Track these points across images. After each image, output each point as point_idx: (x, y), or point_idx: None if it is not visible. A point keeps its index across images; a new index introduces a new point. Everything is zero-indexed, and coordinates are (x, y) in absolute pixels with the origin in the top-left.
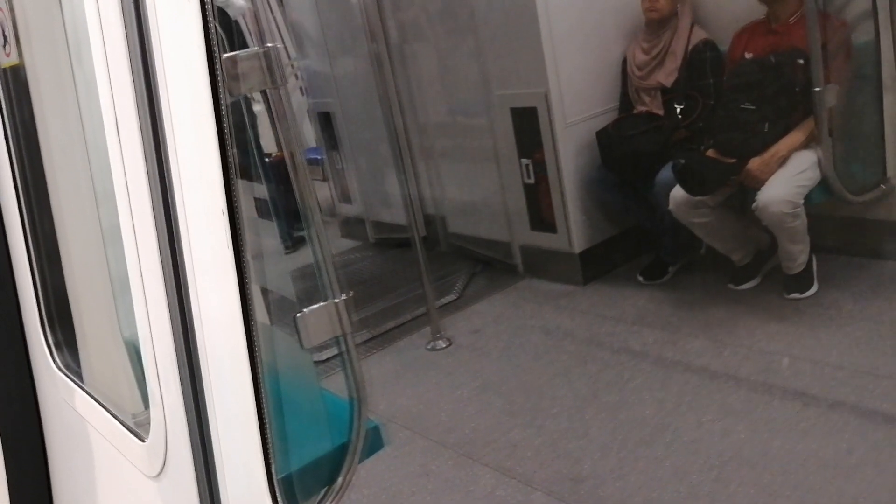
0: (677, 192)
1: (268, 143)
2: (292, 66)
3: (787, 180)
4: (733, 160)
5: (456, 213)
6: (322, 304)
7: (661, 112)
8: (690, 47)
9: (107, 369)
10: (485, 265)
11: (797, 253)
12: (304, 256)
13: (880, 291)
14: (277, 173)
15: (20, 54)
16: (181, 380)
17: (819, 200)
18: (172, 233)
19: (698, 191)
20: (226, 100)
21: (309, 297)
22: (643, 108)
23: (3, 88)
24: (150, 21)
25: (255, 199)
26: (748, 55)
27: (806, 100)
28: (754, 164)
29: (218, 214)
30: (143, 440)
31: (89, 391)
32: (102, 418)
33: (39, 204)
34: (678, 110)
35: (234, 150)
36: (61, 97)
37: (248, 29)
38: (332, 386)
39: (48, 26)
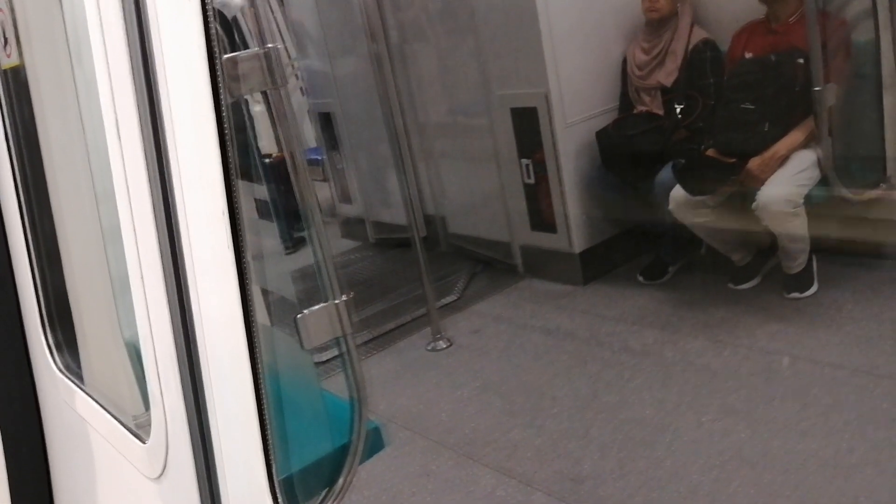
0: (677, 192)
1: (268, 144)
2: (292, 66)
3: (787, 180)
4: (733, 160)
5: (456, 214)
6: (322, 304)
7: (661, 112)
8: (690, 47)
9: (107, 370)
10: (485, 265)
11: (797, 252)
12: (305, 257)
13: (880, 291)
14: (278, 173)
15: (21, 55)
16: (182, 381)
17: (819, 200)
18: (172, 233)
19: (698, 190)
20: (226, 100)
21: (309, 297)
22: (643, 108)
23: (3, 89)
24: (151, 21)
25: (256, 200)
26: (748, 55)
27: (806, 99)
28: (754, 163)
29: (218, 215)
30: (143, 441)
31: (90, 392)
32: (103, 419)
33: (40, 204)
34: (678, 110)
35: (235, 151)
36: (62, 98)
37: (248, 28)
38: (333, 387)
39: (48, 27)
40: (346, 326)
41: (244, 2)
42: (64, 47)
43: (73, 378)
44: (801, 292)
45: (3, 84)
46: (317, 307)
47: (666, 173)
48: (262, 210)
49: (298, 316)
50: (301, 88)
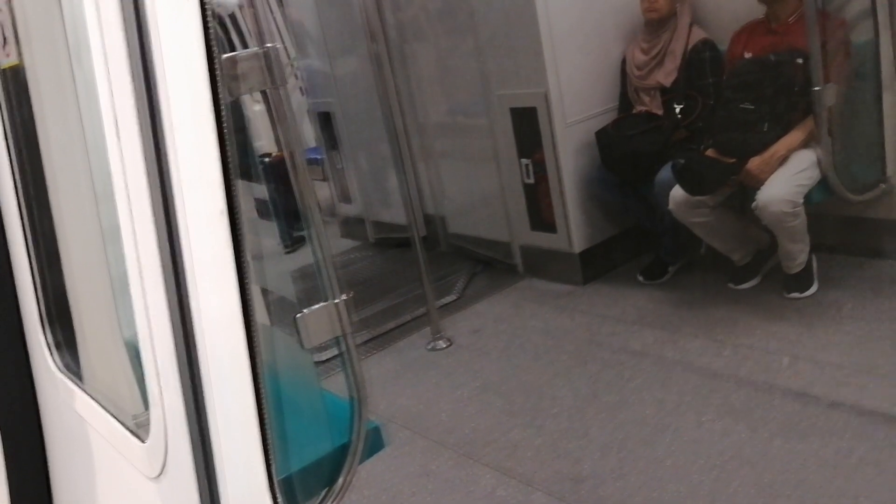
0: (677, 192)
1: (268, 144)
2: (292, 65)
3: (787, 180)
4: (733, 160)
5: (456, 213)
6: (322, 304)
7: (660, 112)
8: (689, 47)
9: (107, 370)
10: (485, 265)
11: (797, 252)
12: (304, 256)
13: (880, 291)
14: (277, 173)
15: (20, 55)
16: (181, 380)
17: (819, 200)
18: (172, 233)
19: (698, 190)
20: (225, 100)
21: (309, 297)
22: (643, 108)
23: (2, 89)
24: (150, 21)
25: (256, 200)
26: (747, 55)
27: (805, 99)
28: (754, 163)
29: (217, 215)
30: (143, 441)
31: (89, 392)
32: (102, 419)
33: (39, 204)
34: (677, 110)
35: (234, 151)
36: (61, 97)
37: (246, 28)
38: (333, 386)
39: (48, 26)
40: (345, 326)
41: (237, 2)
42: (63, 46)
43: (72, 377)
44: (801, 292)
45: (2, 83)
46: (316, 307)
47: (665, 173)
48: (262, 209)
49: (298, 315)
50: (300, 88)
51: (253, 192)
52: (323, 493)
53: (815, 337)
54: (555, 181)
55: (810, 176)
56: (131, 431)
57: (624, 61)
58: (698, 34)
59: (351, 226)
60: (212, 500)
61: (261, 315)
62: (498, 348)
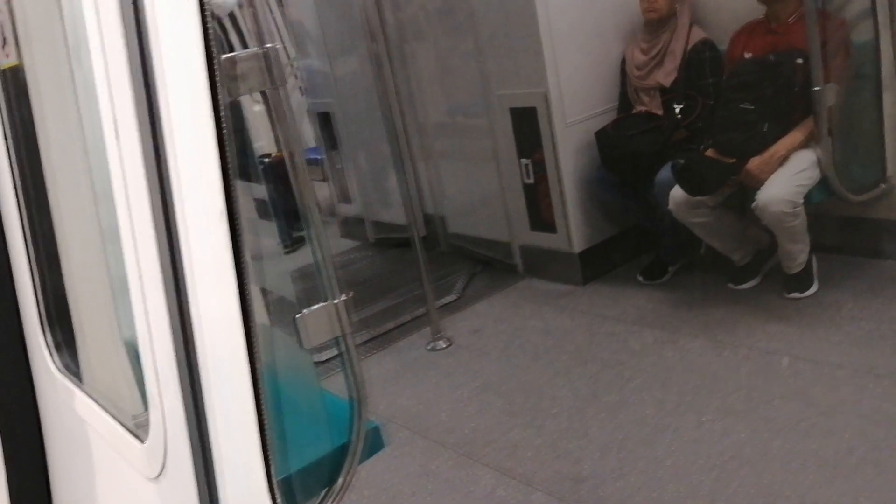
0: (677, 192)
1: (267, 144)
2: (291, 66)
3: (787, 180)
4: (733, 160)
5: (456, 213)
6: (322, 304)
7: (660, 112)
8: (689, 47)
9: (106, 370)
10: (485, 265)
11: (797, 252)
12: (304, 257)
13: (880, 291)
14: (277, 173)
15: (19, 55)
16: (180, 381)
17: (819, 200)
18: (171, 234)
19: (698, 191)
20: (224, 100)
21: (308, 297)
22: (642, 108)
23: (2, 89)
24: (149, 21)
25: (256, 200)
26: (747, 55)
27: (805, 99)
28: (754, 163)
29: (217, 215)
30: (142, 441)
31: (89, 392)
32: (102, 420)
33: (39, 205)
34: (677, 110)
35: (233, 151)
36: (60, 98)
37: (245, 28)
38: (332, 386)
39: (47, 27)
40: (345, 326)
41: (236, 1)
42: (63, 47)
43: (72, 378)
44: (802, 292)
45: (1, 84)
46: (316, 307)
47: (665, 173)
48: (262, 210)
49: (298, 315)
50: (300, 88)
51: (252, 192)
52: (322, 493)
53: (814, 337)
54: (554, 181)
55: (810, 176)
56: (131, 432)
57: (623, 61)
58: (698, 34)
59: (350, 226)
60: (211, 500)
61: (260, 315)
62: (498, 348)
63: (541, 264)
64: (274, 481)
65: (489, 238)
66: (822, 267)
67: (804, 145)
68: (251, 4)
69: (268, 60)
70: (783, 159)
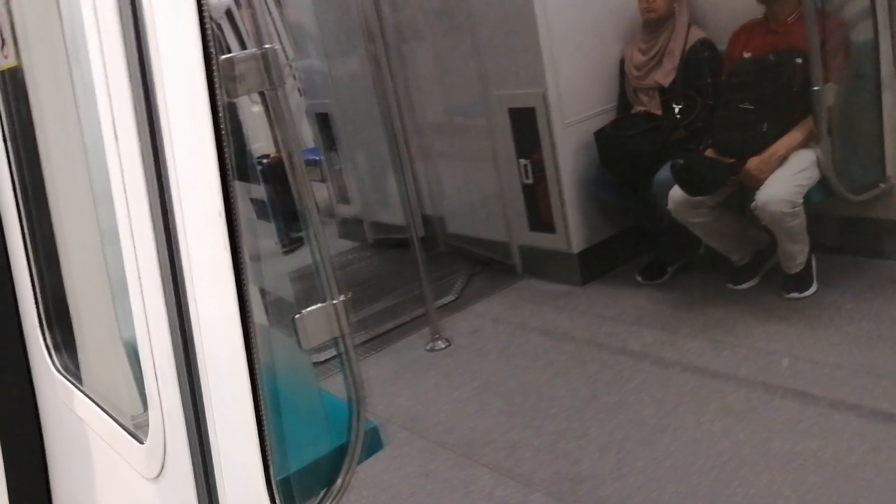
0: (676, 192)
1: (266, 145)
2: (290, 66)
3: (786, 180)
4: (732, 160)
5: (454, 214)
6: (320, 305)
7: (659, 112)
8: (688, 47)
9: (105, 371)
10: (483, 266)
11: (796, 252)
12: (302, 257)
13: (880, 291)
14: (275, 174)
15: (18, 56)
16: (179, 382)
17: (818, 200)
18: (170, 234)
19: (697, 191)
20: (223, 101)
21: (307, 298)
22: (641, 109)
23: (1, 91)
24: (147, 23)
25: (255, 201)
26: (746, 54)
27: (805, 99)
28: (753, 163)
29: (215, 216)
30: (141, 442)
31: (88, 393)
32: (101, 420)
33: (38, 206)
34: (676, 110)
35: (232, 151)
36: (59, 99)
37: (243, 28)
38: (331, 387)
39: (46, 28)
40: (344, 326)
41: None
42: (61, 48)
43: (71, 379)
44: (801, 292)
45: (1, 85)
46: (315, 307)
47: (664, 173)
48: (260, 211)
49: (296, 316)
50: (299, 89)
51: (251, 193)
52: (321, 493)
53: (814, 337)
54: (553, 181)
55: (810, 176)
56: (130, 432)
57: (622, 61)
58: (697, 34)
59: (349, 226)
60: (210, 500)
61: (259, 316)
62: (497, 349)
63: (540, 264)
64: (273, 481)
65: (488, 238)
66: (822, 267)
67: (804, 145)
68: (250, 5)
69: (266, 61)
70: (782, 159)
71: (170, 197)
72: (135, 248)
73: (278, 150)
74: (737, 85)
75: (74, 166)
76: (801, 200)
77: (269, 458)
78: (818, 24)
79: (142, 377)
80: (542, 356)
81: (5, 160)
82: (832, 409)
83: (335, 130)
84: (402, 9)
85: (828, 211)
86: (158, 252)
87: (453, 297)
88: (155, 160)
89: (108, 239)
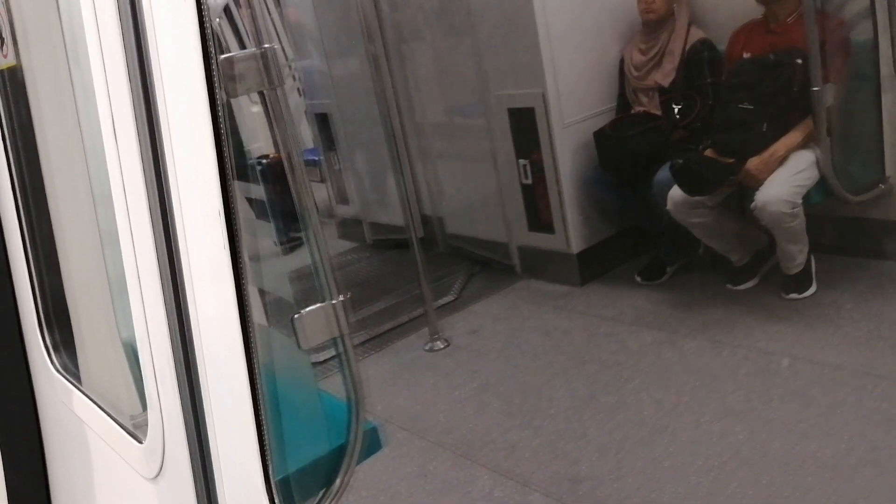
0: (675, 193)
1: (265, 145)
2: (290, 66)
3: (786, 180)
4: (731, 160)
5: (453, 214)
6: (319, 305)
7: (658, 112)
8: (688, 47)
9: (104, 371)
10: (483, 266)
11: (796, 253)
12: (301, 257)
13: (879, 291)
14: (274, 174)
15: (17, 56)
16: (179, 381)
17: (818, 200)
18: (169, 234)
19: (696, 191)
20: (223, 101)
21: (306, 298)
22: (641, 109)
23: (0, 90)
24: (147, 22)
25: (253, 200)
26: (746, 55)
27: (804, 99)
28: (753, 163)
29: (215, 216)
30: (140, 442)
31: (87, 393)
32: (100, 420)
33: (37, 206)
34: (676, 110)
35: (231, 152)
36: (59, 99)
37: (242, 27)
38: (330, 387)
39: (45, 28)
40: (343, 327)
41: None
42: (61, 48)
43: (70, 378)
44: (800, 293)
45: (0, 85)
46: (314, 307)
47: (664, 173)
48: (259, 211)
49: (295, 316)
50: (298, 89)
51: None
52: (320, 493)
53: (813, 337)
54: (552, 182)
55: (809, 176)
56: (129, 432)
57: (622, 61)
58: (696, 34)
59: (348, 227)
60: (209, 500)
61: (258, 316)
62: (496, 349)
63: (539, 265)
64: (272, 481)
65: (487, 239)
66: (821, 267)
67: (803, 145)
68: (249, 5)
69: (266, 61)
70: (782, 159)
71: (169, 197)
72: (134, 247)
73: (277, 151)
74: (736, 85)
75: (74, 166)
76: (801, 201)
77: (268, 457)
78: (818, 24)
79: (141, 377)
80: (541, 356)
81: (4, 160)
82: (831, 409)
83: (334, 131)
84: (402, 9)
85: (827, 211)
86: (158, 252)
87: (452, 298)
88: (154, 160)
89: (108, 239)
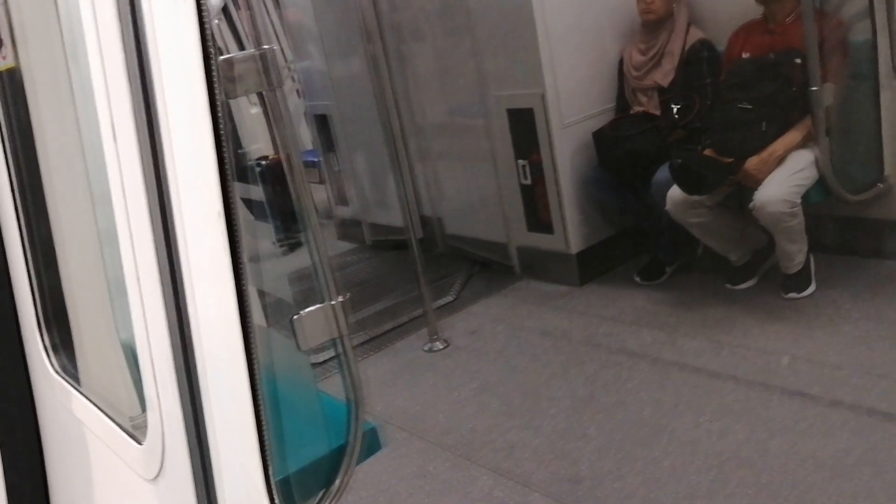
0: (674, 192)
1: (264, 146)
2: (289, 68)
3: (785, 180)
4: (731, 160)
5: (453, 215)
6: (319, 305)
7: (658, 112)
8: (687, 47)
9: (104, 372)
10: (482, 266)
11: (795, 252)
12: (301, 258)
13: (878, 290)
14: (274, 175)
15: (16, 57)
16: (178, 382)
17: (816, 200)
18: (169, 235)
19: (696, 190)
20: (222, 101)
21: (306, 298)
22: (640, 109)
23: None
24: (146, 23)
25: (253, 201)
26: (745, 55)
27: (803, 99)
28: (752, 163)
29: (214, 216)
30: (140, 443)
31: (86, 394)
32: (99, 421)
33: (36, 207)
34: (675, 110)
35: (231, 152)
36: (58, 100)
37: (241, 27)
38: (330, 388)
39: (44, 29)
40: (342, 327)
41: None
42: (60, 49)
43: (69, 380)
44: (799, 292)
45: None
46: (313, 308)
47: (663, 173)
48: (259, 212)
49: (295, 317)
50: (297, 90)
51: (250, 194)
52: (320, 494)
53: (812, 337)
54: (552, 182)
55: (808, 176)
56: (128, 433)
57: (621, 62)
58: (696, 34)
59: (348, 228)
60: (209, 501)
61: (258, 317)
62: (495, 349)
63: (538, 265)
64: (272, 482)
65: (486, 239)
66: (820, 267)
67: (802, 145)
68: (248, 6)
69: (265, 62)
70: (781, 159)
71: (169, 198)
72: (133, 248)
73: (277, 152)
74: (735, 85)
75: (73, 167)
76: (800, 200)
77: (268, 458)
78: (816, 24)
79: (140, 378)
80: (540, 357)
81: (3, 161)
82: (831, 408)
83: (334, 132)
84: (401, 9)
85: (826, 211)
86: (157, 253)
87: (452, 298)
88: (154, 161)
89: (107, 239)
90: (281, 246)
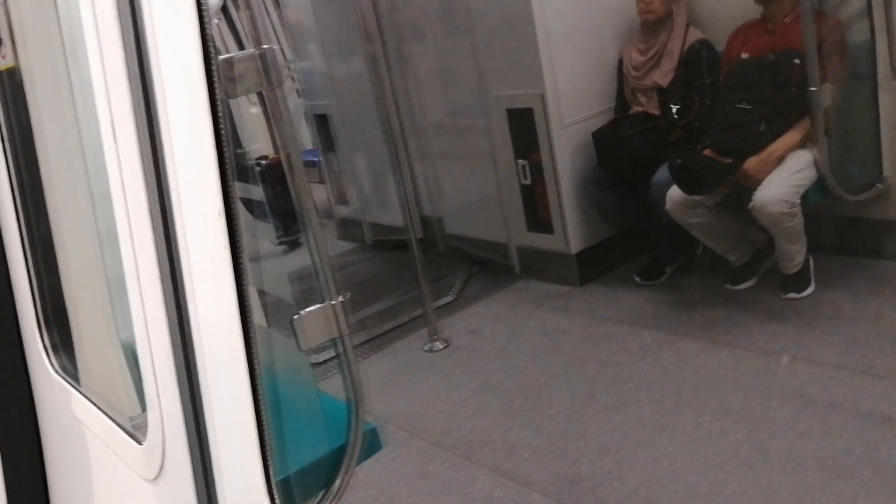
0: (674, 192)
1: (264, 146)
2: (289, 67)
3: (784, 180)
4: (730, 160)
5: (453, 215)
6: (319, 305)
7: (657, 112)
8: (686, 47)
9: (104, 372)
10: (482, 266)
11: (794, 253)
12: (301, 258)
13: (878, 291)
14: (274, 175)
15: (16, 56)
16: (178, 382)
17: (816, 200)
18: (169, 235)
19: (695, 190)
20: (222, 101)
21: (306, 298)
22: (639, 109)
23: None
24: (146, 23)
25: (253, 201)
26: (744, 55)
27: (802, 99)
28: (751, 163)
29: (215, 216)
30: (140, 443)
31: (86, 394)
32: (99, 421)
33: (36, 206)
34: (674, 110)
35: (231, 152)
36: (57, 99)
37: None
38: (330, 388)
39: (44, 28)
40: (342, 327)
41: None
42: (59, 48)
43: (69, 380)
44: (799, 292)
45: None
46: (313, 308)
47: (662, 173)
48: (259, 211)
49: (295, 317)
50: (297, 90)
51: (251, 194)
52: (320, 494)
53: (812, 337)
54: (551, 182)
55: (807, 176)
56: (128, 433)
57: (621, 62)
58: (695, 34)
59: (348, 228)
60: (209, 501)
61: (258, 316)
62: (495, 349)
63: (538, 265)
64: (272, 482)
65: (486, 239)
66: (820, 267)
67: (801, 145)
68: (248, 5)
69: (265, 61)
70: (780, 159)
71: (169, 197)
72: (134, 248)
73: (277, 151)
74: (735, 85)
75: (73, 167)
76: (799, 200)
77: (268, 458)
78: (815, 24)
79: (140, 378)
80: (540, 357)
81: (3, 161)
82: (830, 409)
83: (334, 132)
84: (401, 9)
85: (825, 211)
86: (157, 252)
87: (452, 298)
88: (154, 160)
89: (107, 239)
90: (281, 245)
